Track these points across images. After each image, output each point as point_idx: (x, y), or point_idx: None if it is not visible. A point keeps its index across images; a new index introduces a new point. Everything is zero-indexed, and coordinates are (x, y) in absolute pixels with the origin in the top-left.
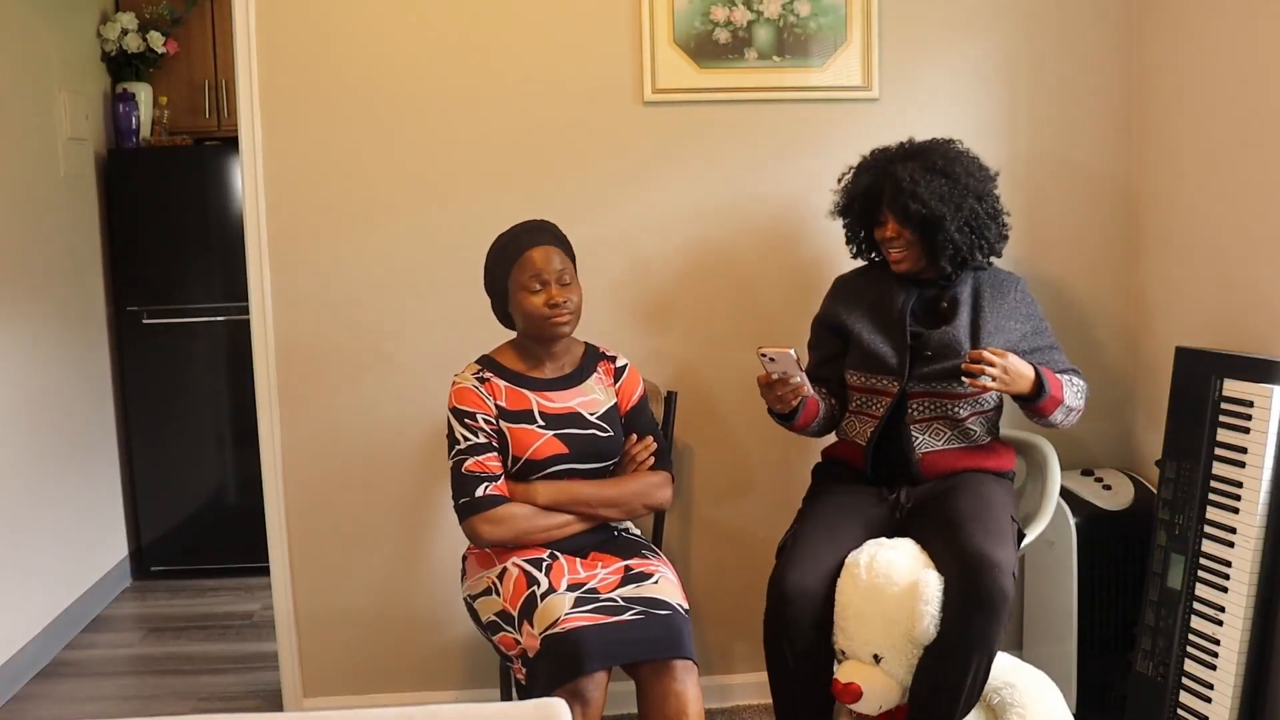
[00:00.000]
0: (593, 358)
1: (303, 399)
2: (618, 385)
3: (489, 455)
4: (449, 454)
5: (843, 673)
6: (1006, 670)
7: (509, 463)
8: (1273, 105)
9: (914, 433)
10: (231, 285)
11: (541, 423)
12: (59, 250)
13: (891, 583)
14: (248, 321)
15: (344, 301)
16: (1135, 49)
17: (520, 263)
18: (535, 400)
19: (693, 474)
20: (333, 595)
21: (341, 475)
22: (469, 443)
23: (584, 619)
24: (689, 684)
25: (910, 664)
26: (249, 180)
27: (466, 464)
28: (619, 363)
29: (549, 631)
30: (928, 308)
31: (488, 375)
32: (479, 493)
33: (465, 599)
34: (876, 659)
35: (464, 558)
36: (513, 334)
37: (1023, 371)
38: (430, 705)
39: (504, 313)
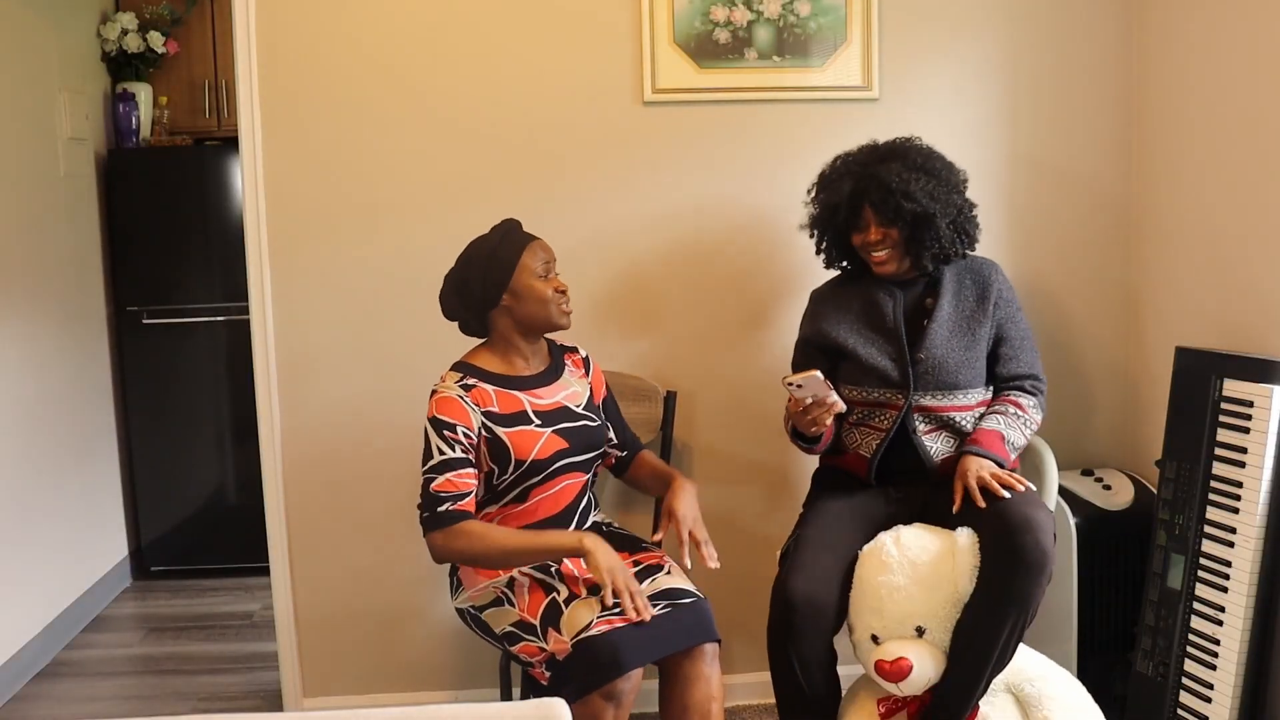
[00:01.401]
0: (558, 351)
1: (303, 399)
2: (589, 376)
3: (461, 472)
4: (422, 465)
5: (887, 651)
6: (1038, 664)
7: (509, 469)
8: (1273, 106)
9: (926, 442)
10: (231, 285)
11: (538, 421)
12: (59, 250)
13: (926, 551)
14: (248, 321)
15: (344, 301)
16: (1135, 50)
17: (530, 250)
18: (526, 400)
19: (691, 474)
20: (333, 595)
21: (341, 475)
22: (442, 458)
23: (616, 620)
24: (716, 666)
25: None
26: (249, 180)
27: (435, 482)
28: (582, 353)
29: (583, 636)
30: (913, 306)
31: (472, 382)
32: (440, 509)
33: (467, 610)
34: (919, 632)
35: (453, 569)
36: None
37: (992, 457)
38: (430, 705)
39: (483, 316)
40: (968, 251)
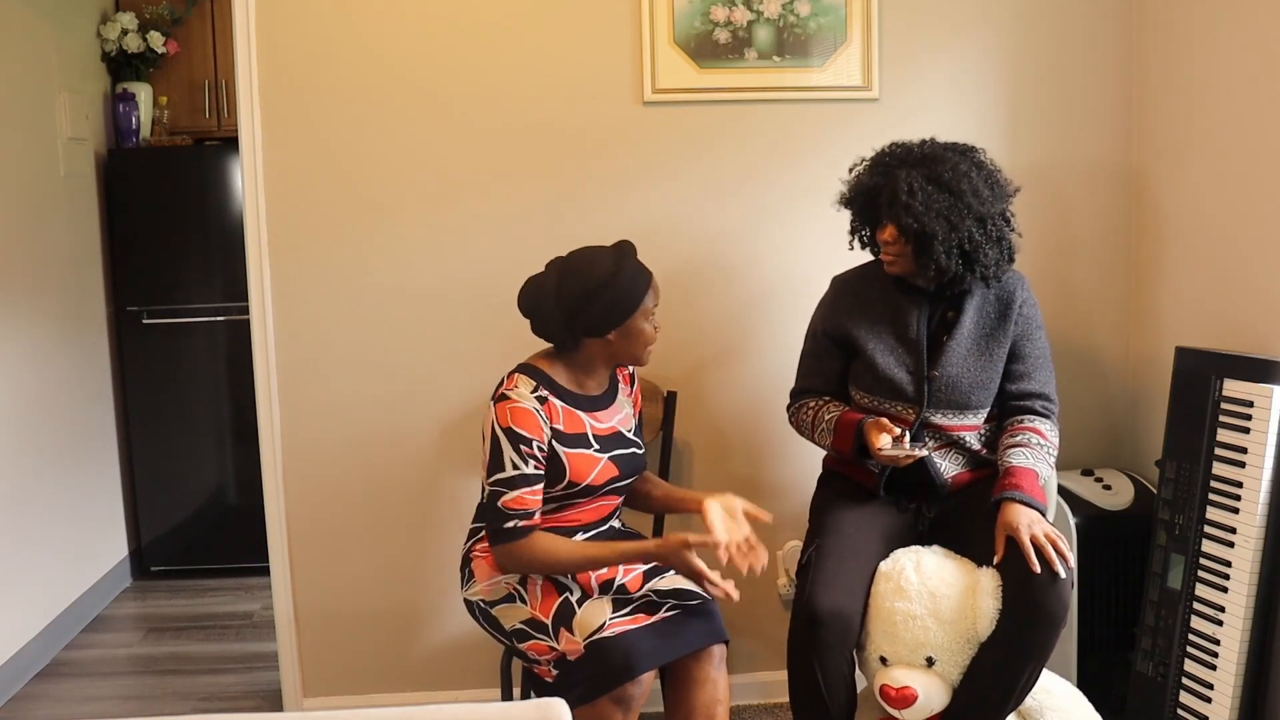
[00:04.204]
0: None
1: (303, 399)
2: (633, 391)
3: (534, 489)
4: (487, 472)
5: (893, 678)
6: (1042, 676)
7: (561, 487)
8: (1273, 106)
9: (935, 459)
10: (231, 285)
11: (597, 446)
12: (59, 250)
13: (946, 584)
14: (248, 321)
15: (344, 301)
16: (1135, 49)
17: (651, 291)
18: (589, 422)
19: (693, 474)
20: (333, 595)
21: (341, 475)
22: (516, 472)
23: (628, 623)
24: (723, 669)
25: (964, 665)
26: (249, 180)
27: (505, 498)
28: (630, 367)
29: (595, 638)
30: (935, 319)
31: (545, 394)
32: (508, 524)
33: (477, 603)
34: (929, 662)
35: (465, 560)
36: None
37: (1035, 505)
38: (430, 705)
39: (579, 338)
40: (975, 281)
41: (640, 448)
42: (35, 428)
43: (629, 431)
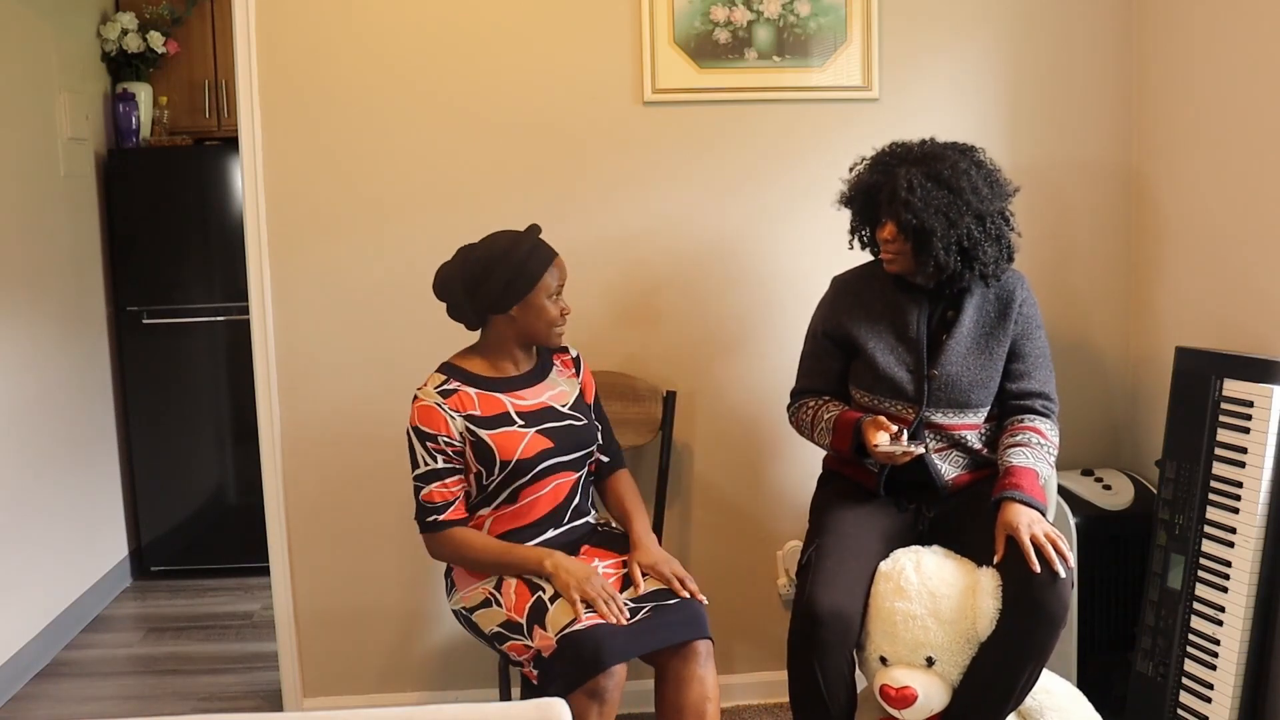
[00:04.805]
0: (546, 351)
1: (303, 399)
2: (580, 376)
3: (447, 481)
4: (411, 469)
5: (893, 678)
6: (1042, 676)
7: (495, 469)
8: (1273, 106)
9: (936, 460)
10: (231, 285)
11: (521, 422)
12: (59, 250)
13: (946, 584)
14: (248, 321)
15: (344, 301)
16: (1135, 49)
17: (552, 270)
18: (509, 401)
19: (692, 474)
20: (333, 595)
21: (341, 475)
22: (428, 468)
23: (600, 617)
24: (710, 666)
25: (964, 665)
26: (249, 180)
27: (424, 492)
28: (573, 353)
29: (566, 631)
30: (935, 318)
31: (454, 386)
32: (429, 518)
33: (460, 611)
34: (929, 662)
35: (448, 571)
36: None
37: (1035, 505)
38: (430, 705)
39: (484, 315)
40: (974, 279)
41: (580, 420)
42: (35, 428)
43: (564, 406)
